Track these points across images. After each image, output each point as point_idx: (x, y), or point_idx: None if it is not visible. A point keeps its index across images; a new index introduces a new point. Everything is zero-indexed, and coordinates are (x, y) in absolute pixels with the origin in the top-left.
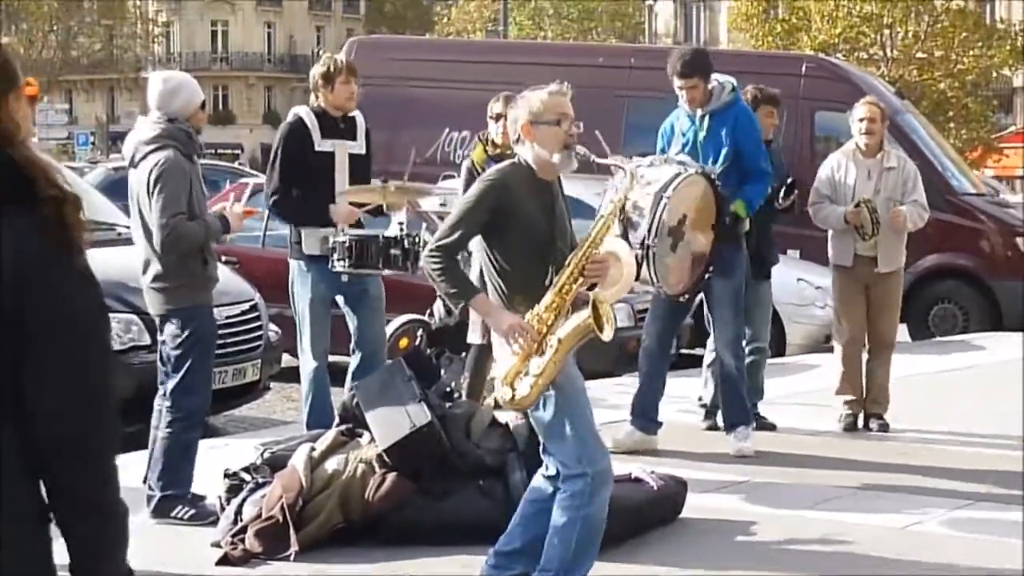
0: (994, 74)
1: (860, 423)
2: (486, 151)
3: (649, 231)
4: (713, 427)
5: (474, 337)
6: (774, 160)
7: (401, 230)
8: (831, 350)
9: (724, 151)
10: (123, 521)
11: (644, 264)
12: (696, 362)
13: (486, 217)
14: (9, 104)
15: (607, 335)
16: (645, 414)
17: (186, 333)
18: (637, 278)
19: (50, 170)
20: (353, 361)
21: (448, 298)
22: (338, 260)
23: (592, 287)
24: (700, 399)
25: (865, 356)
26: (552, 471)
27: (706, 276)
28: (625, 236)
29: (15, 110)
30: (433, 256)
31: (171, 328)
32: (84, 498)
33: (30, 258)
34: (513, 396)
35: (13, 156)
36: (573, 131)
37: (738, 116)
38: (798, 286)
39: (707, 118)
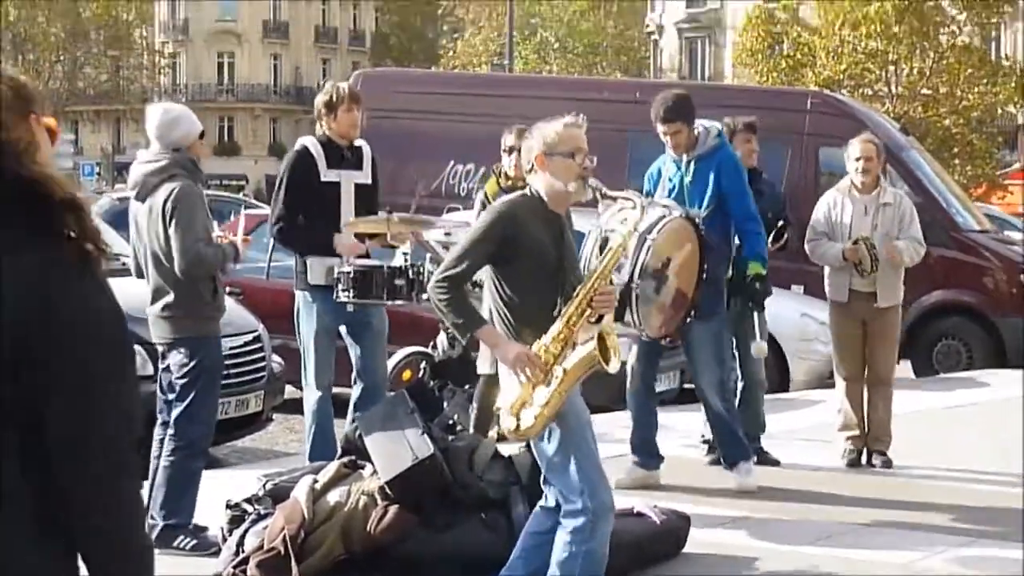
0: (999, 111)
1: (863, 459)
2: (499, 183)
3: (632, 273)
4: (717, 461)
5: (483, 367)
6: (765, 189)
7: (406, 260)
8: (835, 386)
9: (708, 196)
10: (147, 555)
11: (627, 306)
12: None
13: (494, 248)
14: (28, 124)
15: (613, 367)
16: (645, 450)
17: (193, 363)
18: (619, 319)
19: (65, 182)
20: (354, 392)
21: (454, 329)
22: (343, 291)
23: (599, 319)
24: (703, 436)
25: (865, 392)
26: (552, 502)
27: (687, 320)
28: None
29: (34, 131)
30: (439, 286)
31: (178, 357)
32: (95, 521)
33: (36, 271)
34: (518, 426)
35: (23, 173)
36: (587, 164)
37: (722, 162)
38: (801, 322)
39: (693, 163)
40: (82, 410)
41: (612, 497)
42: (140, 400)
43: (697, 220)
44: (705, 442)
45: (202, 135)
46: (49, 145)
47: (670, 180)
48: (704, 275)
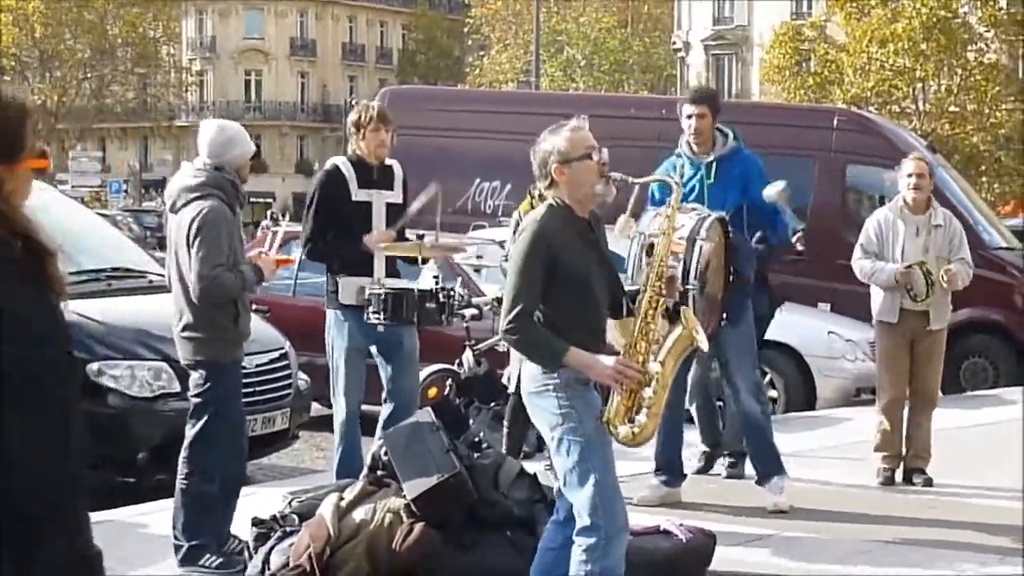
0: None
1: (899, 478)
2: (532, 204)
3: (686, 275)
4: (702, 471)
5: (513, 384)
6: None
7: (436, 283)
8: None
9: (732, 197)
10: (96, 563)
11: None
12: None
13: (542, 269)
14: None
15: (703, 343)
16: (670, 468)
17: (208, 386)
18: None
19: (17, 217)
20: (384, 411)
21: (542, 365)
22: (373, 313)
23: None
24: (701, 448)
25: (907, 411)
26: (563, 516)
27: (721, 324)
28: None
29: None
30: (510, 329)
31: (195, 378)
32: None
33: None
34: (634, 432)
35: None
36: (604, 160)
37: (746, 163)
38: (828, 339)
39: (715, 165)
40: (21, 426)
41: (627, 516)
42: (79, 419)
43: (727, 222)
44: (704, 452)
45: (254, 156)
46: (26, 183)
47: (687, 183)
48: (731, 278)
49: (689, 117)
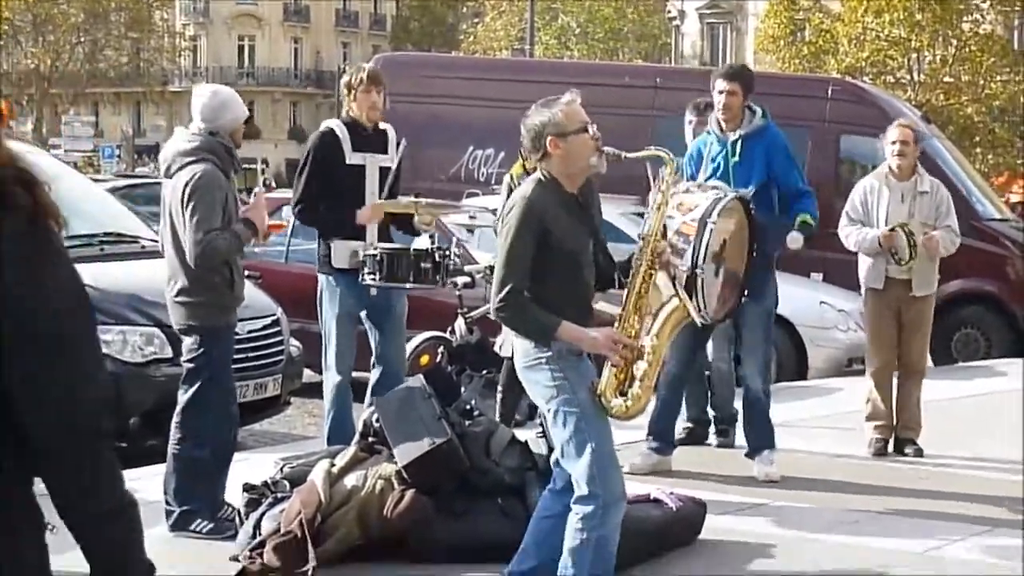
0: (1022, 99)
1: (890, 448)
2: (524, 167)
3: (696, 258)
4: (682, 443)
5: (507, 351)
6: None
7: (432, 243)
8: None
9: (757, 176)
10: (132, 513)
11: (693, 291)
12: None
13: (532, 243)
14: None
15: (697, 318)
16: (662, 436)
17: (201, 351)
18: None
19: (12, 156)
20: (373, 376)
21: (533, 341)
22: (369, 274)
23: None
24: (686, 424)
25: (896, 381)
26: (560, 485)
27: (742, 300)
28: None
29: None
30: (500, 306)
31: (188, 343)
32: (82, 495)
33: None
34: (628, 406)
35: None
36: (597, 134)
37: (772, 141)
38: (820, 309)
39: (739, 143)
40: (44, 375)
41: (624, 485)
42: (103, 364)
43: (748, 200)
44: (685, 428)
45: (247, 120)
46: None
47: (713, 161)
48: (754, 254)
49: (720, 93)
